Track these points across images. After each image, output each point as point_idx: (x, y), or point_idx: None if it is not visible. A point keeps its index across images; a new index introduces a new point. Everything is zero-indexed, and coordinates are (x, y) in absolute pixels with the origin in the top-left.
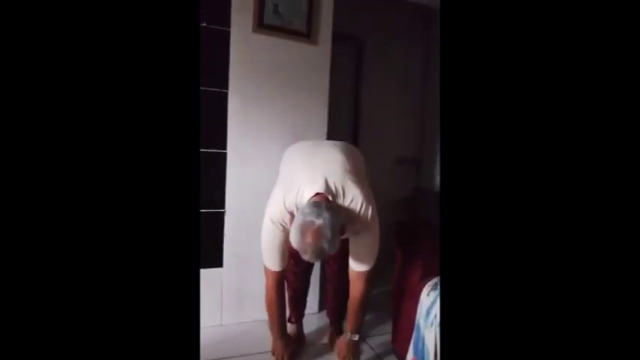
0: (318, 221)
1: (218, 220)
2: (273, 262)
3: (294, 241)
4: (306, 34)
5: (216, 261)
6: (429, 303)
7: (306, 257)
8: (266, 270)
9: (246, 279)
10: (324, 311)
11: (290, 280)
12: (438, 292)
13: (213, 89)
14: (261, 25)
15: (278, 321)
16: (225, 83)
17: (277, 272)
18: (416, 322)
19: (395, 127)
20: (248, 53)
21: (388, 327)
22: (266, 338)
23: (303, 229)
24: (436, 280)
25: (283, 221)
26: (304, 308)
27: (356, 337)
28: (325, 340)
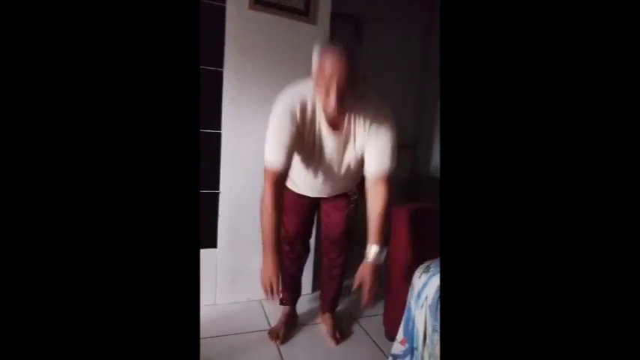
0: (339, 45)
1: (212, 201)
2: (275, 155)
3: (314, 75)
4: (304, 12)
5: (211, 241)
6: (420, 285)
7: (325, 91)
8: (265, 171)
9: (240, 259)
10: (317, 292)
11: (285, 266)
12: (429, 274)
13: (208, 67)
14: (258, 1)
15: (272, 232)
16: (220, 61)
17: (277, 172)
18: (407, 303)
19: (393, 109)
20: (244, 30)
21: (380, 308)
22: (259, 317)
23: (323, 54)
24: (428, 262)
25: (294, 112)
26: (299, 292)
27: (382, 258)
28: (318, 320)
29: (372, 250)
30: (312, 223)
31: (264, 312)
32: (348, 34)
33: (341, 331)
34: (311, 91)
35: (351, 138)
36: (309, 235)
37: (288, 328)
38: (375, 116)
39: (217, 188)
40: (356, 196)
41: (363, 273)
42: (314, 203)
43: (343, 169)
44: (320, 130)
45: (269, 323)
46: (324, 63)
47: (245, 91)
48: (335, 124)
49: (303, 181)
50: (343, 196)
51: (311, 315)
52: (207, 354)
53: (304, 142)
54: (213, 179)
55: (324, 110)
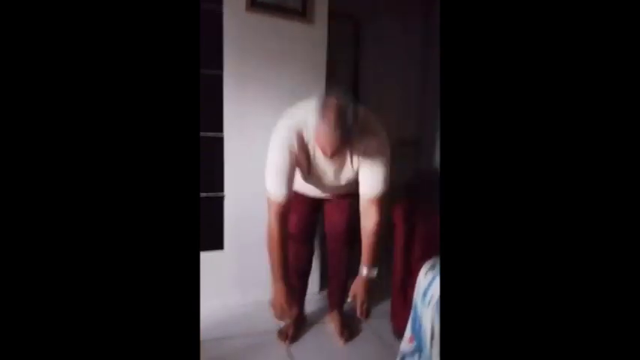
0: (339, 100)
1: (218, 204)
2: (276, 187)
3: (315, 124)
4: (301, 12)
5: (217, 244)
6: (426, 283)
7: (326, 139)
8: (269, 202)
9: (247, 261)
10: (325, 291)
11: (292, 263)
12: (435, 272)
13: (207, 71)
14: (255, 3)
15: (279, 261)
16: (219, 65)
17: (280, 204)
18: (413, 301)
19: (394, 108)
20: (242, 34)
21: (387, 307)
22: (268, 318)
23: (324, 108)
24: (433, 261)
25: (291, 145)
26: (305, 291)
27: (374, 273)
28: (327, 319)
29: (365, 271)
30: (316, 222)
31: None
32: (343, 88)
33: (349, 330)
34: (307, 119)
35: (347, 161)
36: (314, 234)
37: (297, 328)
38: (370, 141)
39: (222, 191)
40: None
41: (356, 288)
42: (317, 203)
43: (342, 182)
44: (316, 158)
45: (278, 324)
46: (325, 112)
47: (245, 92)
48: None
49: (302, 185)
50: (345, 197)
51: (319, 314)
52: (216, 355)
53: (302, 167)
54: (218, 182)
55: (322, 153)
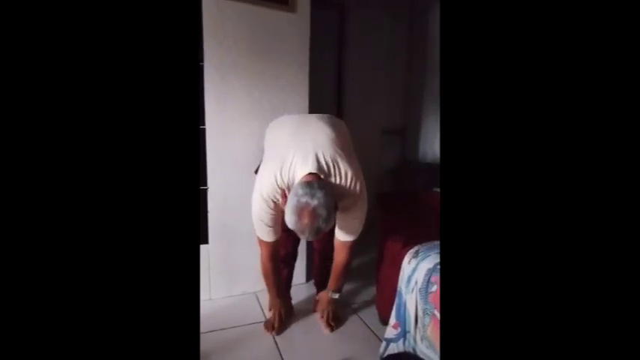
0: (313, 202)
1: (202, 198)
2: (266, 234)
3: (291, 222)
4: (283, 0)
5: (202, 238)
6: (409, 270)
7: (302, 237)
8: (260, 241)
9: (232, 254)
10: (311, 281)
11: (285, 246)
12: (418, 259)
13: None
14: None
15: (274, 285)
16: (199, 55)
17: (271, 242)
18: (398, 288)
19: (380, 98)
20: (222, 22)
21: (372, 294)
22: (254, 310)
23: (299, 211)
24: (417, 248)
25: (275, 197)
26: (291, 280)
27: (336, 296)
28: (313, 309)
29: (330, 293)
30: None
31: (260, 304)
32: (319, 189)
33: (335, 318)
34: (285, 171)
35: None
36: None
37: (284, 318)
38: (350, 197)
39: (205, 184)
40: None
41: (323, 304)
42: None
43: None
44: None
45: (264, 315)
46: (300, 215)
47: (227, 83)
48: None
49: None
50: None
51: (306, 304)
52: (204, 348)
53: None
54: (201, 175)
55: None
